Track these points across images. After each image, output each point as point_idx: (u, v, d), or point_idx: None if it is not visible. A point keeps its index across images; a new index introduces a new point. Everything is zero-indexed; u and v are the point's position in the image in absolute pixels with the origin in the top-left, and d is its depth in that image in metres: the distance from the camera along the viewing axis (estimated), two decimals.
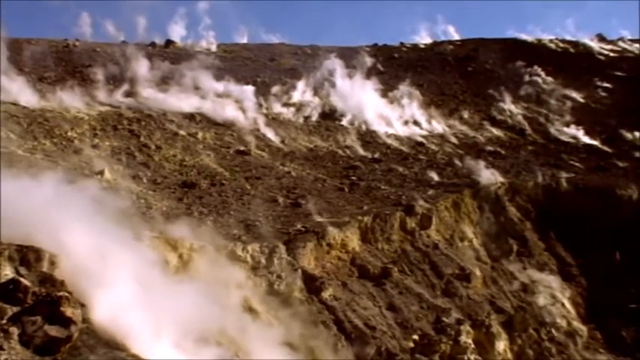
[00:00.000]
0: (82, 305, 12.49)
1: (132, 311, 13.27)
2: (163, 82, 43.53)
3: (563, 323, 28.61)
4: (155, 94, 41.40)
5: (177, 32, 62.25)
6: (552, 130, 49.05)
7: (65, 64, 45.78)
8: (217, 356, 15.17)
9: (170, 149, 34.35)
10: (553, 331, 27.75)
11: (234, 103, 42.70)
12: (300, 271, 23.18)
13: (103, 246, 14.13)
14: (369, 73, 52.35)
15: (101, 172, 27.64)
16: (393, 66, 58.17)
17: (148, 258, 16.07)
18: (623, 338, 28.80)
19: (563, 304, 29.78)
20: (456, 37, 75.33)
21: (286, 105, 46.30)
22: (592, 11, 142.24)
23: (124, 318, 12.97)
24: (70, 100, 36.58)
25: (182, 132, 36.98)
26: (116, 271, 13.75)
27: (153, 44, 59.10)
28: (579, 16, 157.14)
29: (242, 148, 37.03)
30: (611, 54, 70.74)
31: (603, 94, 58.59)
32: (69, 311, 11.65)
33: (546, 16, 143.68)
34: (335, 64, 50.83)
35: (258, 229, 25.10)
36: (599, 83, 60.33)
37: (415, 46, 71.71)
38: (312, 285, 23.14)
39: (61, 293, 11.95)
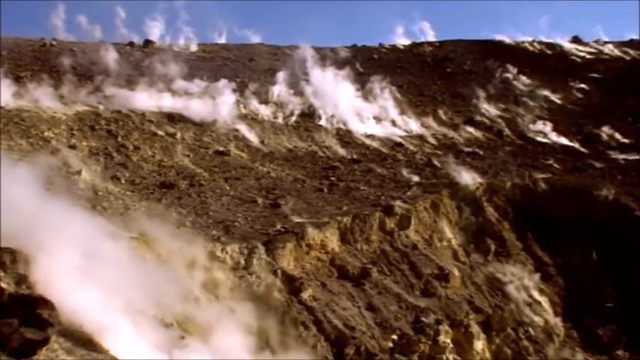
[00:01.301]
0: (59, 307, 12.37)
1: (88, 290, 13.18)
2: (141, 82, 43.22)
3: (540, 322, 28.84)
4: (133, 93, 41.12)
5: (155, 31, 61.90)
6: (530, 131, 49.44)
7: (42, 64, 45.36)
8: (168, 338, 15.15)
9: (148, 150, 34.17)
10: (530, 330, 27.97)
11: (213, 104, 42.52)
12: (279, 271, 23.14)
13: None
14: (348, 74, 52.41)
15: (78, 173, 27.44)
16: (372, 67, 58.30)
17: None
18: (599, 337, 29.09)
19: (540, 304, 30.03)
20: (432, 33, 75.81)
21: (265, 105, 46.21)
22: (563, 10, 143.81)
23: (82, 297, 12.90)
24: (47, 99, 36.25)
25: (160, 132, 36.80)
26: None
27: (131, 44, 58.72)
28: (551, 15, 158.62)
29: (221, 149, 36.91)
30: (587, 56, 71.56)
31: (580, 95, 59.26)
32: (45, 313, 11.57)
33: (519, 16, 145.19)
34: (314, 64, 50.83)
35: (237, 229, 25.05)
36: (575, 84, 60.99)
37: (394, 47, 72.02)
38: (292, 285, 23.12)
39: (37, 295, 11.85)
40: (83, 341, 12.44)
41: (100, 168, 30.00)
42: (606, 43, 76.20)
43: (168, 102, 41.56)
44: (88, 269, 13.59)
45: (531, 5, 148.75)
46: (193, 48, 60.85)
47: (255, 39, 68.57)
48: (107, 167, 30.55)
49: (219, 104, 42.62)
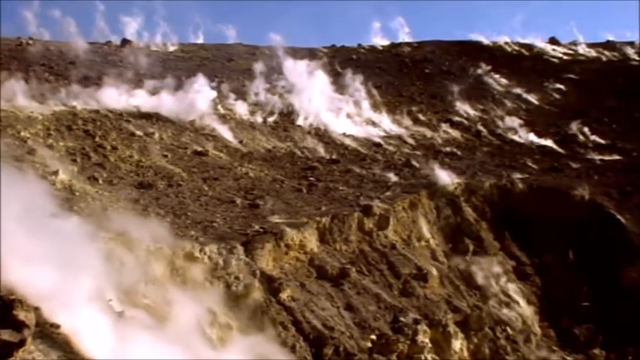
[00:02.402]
0: (36, 309, 12.27)
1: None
2: (119, 82, 42.94)
3: (518, 322, 29.00)
4: (111, 93, 40.85)
5: (133, 31, 61.63)
6: (507, 132, 49.78)
7: (18, 63, 44.93)
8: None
9: (126, 150, 33.93)
10: (508, 329, 28.11)
11: (192, 104, 42.34)
12: (258, 272, 23.07)
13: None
14: (327, 74, 52.46)
15: (55, 173, 27.19)
16: (351, 67, 58.35)
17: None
18: (575, 336, 29.35)
19: (518, 303, 30.20)
20: (407, 30, 76.21)
21: (244, 105, 46.12)
22: (536, 10, 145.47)
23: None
24: (23, 99, 35.90)
25: (138, 132, 36.56)
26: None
27: (109, 43, 58.38)
28: (524, 15, 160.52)
29: (199, 149, 36.76)
30: (564, 57, 72.25)
31: (557, 96, 59.79)
32: (22, 315, 11.43)
33: (493, 15, 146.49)
34: (293, 64, 50.80)
35: (215, 230, 24.95)
36: (552, 85, 61.56)
37: (373, 48, 72.33)
38: (271, 286, 23.06)
39: (13, 297, 11.73)
40: (60, 343, 12.32)
41: (77, 168, 29.72)
42: (582, 44, 77.02)
43: (146, 102, 41.35)
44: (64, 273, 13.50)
45: (505, 5, 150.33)
46: (171, 48, 60.65)
47: (231, 34, 68.56)
48: (84, 167, 30.29)
49: (197, 104, 42.46)
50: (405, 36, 76.27)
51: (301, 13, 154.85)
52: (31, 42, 52.41)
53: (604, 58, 72.51)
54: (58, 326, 12.65)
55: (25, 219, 13.56)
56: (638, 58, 72.47)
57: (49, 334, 12.36)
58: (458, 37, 74.93)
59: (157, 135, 36.97)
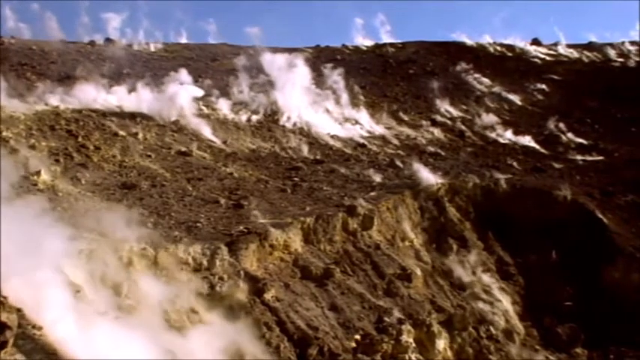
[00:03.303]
0: (18, 310, 12.19)
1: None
2: (102, 82, 42.73)
3: (501, 321, 29.15)
4: (93, 93, 40.63)
5: (116, 30, 61.32)
6: (491, 132, 50.04)
7: (0, 62, 44.55)
8: None
9: (109, 150, 33.75)
10: (492, 329, 28.25)
11: (176, 104, 42.20)
12: (242, 272, 23.02)
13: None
14: (312, 75, 52.46)
15: (38, 173, 27.00)
16: (336, 68, 58.37)
17: None
18: (558, 335, 29.54)
19: (501, 303, 30.36)
20: (388, 28, 76.62)
21: (228, 105, 46.05)
22: (517, 10, 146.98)
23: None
24: (5, 99, 35.61)
25: (122, 132, 36.39)
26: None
27: (92, 43, 58.06)
28: (505, 15, 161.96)
29: (183, 149, 36.63)
30: (547, 58, 72.80)
31: (539, 96, 60.21)
32: (4, 316, 11.37)
33: (474, 15, 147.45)
34: (277, 65, 50.75)
35: (199, 230, 24.86)
36: (535, 86, 62.00)
37: (357, 49, 72.52)
38: (255, 286, 23.01)
39: None
40: (42, 345, 12.25)
41: (59, 169, 29.52)
42: (564, 45, 77.73)
43: (129, 101, 41.15)
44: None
45: (487, 5, 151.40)
46: (155, 47, 60.41)
47: (213, 33, 68.58)
48: (67, 168, 30.09)
49: (180, 102, 42.33)
50: (386, 35, 76.61)
51: (284, 13, 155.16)
52: (13, 41, 51.99)
53: (586, 59, 73.16)
54: (40, 328, 12.58)
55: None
56: (619, 60, 73.22)
57: (31, 335, 12.29)
58: (440, 36, 75.73)
59: (140, 135, 36.81)
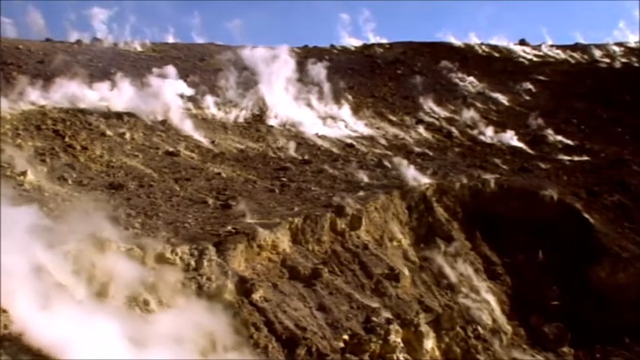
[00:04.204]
0: (4, 311, 12.12)
1: None
2: (89, 81, 42.53)
3: (488, 321, 29.24)
4: (80, 92, 40.44)
5: (103, 30, 61.06)
6: (478, 132, 50.21)
7: None
8: None
9: (96, 150, 33.61)
10: (479, 328, 28.34)
11: (163, 103, 42.07)
12: (230, 272, 22.98)
13: None
14: (300, 75, 52.45)
15: (24, 174, 26.85)
16: (324, 68, 58.39)
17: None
18: (545, 334, 29.68)
19: (488, 303, 30.47)
20: (372, 25, 77.05)
21: (216, 105, 45.98)
22: (499, 10, 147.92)
23: None
24: None
25: (109, 132, 36.25)
26: None
27: (79, 42, 57.79)
28: (488, 13, 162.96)
29: (171, 149, 36.53)
30: (534, 58, 73.23)
31: (527, 97, 60.52)
32: None
33: (460, 14, 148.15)
34: (266, 65, 50.71)
35: (187, 230, 24.81)
36: (522, 87, 62.32)
37: (345, 49, 72.66)
38: (243, 287, 22.99)
39: None
40: (28, 347, 12.19)
41: (46, 169, 29.39)
42: (551, 46, 78.26)
43: (116, 101, 40.98)
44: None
45: (471, 5, 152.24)
46: (143, 47, 60.19)
47: (196, 23, 68.55)
48: (54, 168, 29.95)
49: (168, 104, 42.21)
50: (370, 33, 76.94)
51: (269, 12, 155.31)
52: None
53: (572, 60, 73.64)
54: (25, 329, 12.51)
55: None
56: (605, 60, 73.76)
57: (17, 337, 12.22)
58: (424, 34, 76.32)
59: (127, 135, 36.68)
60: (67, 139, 33.59)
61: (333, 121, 48.61)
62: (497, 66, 69.89)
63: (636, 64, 72.54)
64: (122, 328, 14.88)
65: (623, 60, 73.94)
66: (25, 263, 13.79)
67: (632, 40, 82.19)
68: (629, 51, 77.83)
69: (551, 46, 78.51)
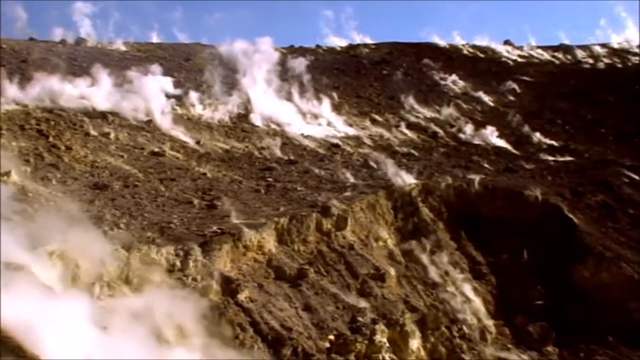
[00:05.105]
0: None
1: None
2: (73, 81, 42.25)
3: (473, 320, 29.33)
4: (64, 92, 40.17)
5: (88, 29, 60.72)
6: (463, 133, 50.40)
7: None
8: None
9: (81, 150, 33.42)
10: (464, 328, 28.39)
11: (148, 103, 41.89)
12: (215, 273, 22.92)
13: None
14: (286, 75, 52.43)
15: (7, 174, 26.63)
16: (310, 68, 58.45)
17: None
18: (529, 333, 29.79)
19: (474, 302, 30.57)
20: (355, 22, 77.37)
21: (202, 106, 45.85)
22: (483, 7, 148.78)
23: None
24: None
25: (94, 132, 36.06)
26: None
27: (63, 42, 57.43)
28: (471, 12, 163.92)
29: (156, 149, 36.39)
30: (519, 59, 73.65)
31: (511, 97, 60.82)
32: None
33: (443, 13, 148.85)
34: (251, 65, 50.63)
35: (172, 231, 24.73)
36: (507, 87, 62.64)
37: (331, 49, 72.74)
38: (228, 287, 22.95)
39: None
40: (12, 347, 12.09)
41: (30, 169, 29.17)
42: (536, 47, 78.81)
43: (101, 101, 40.77)
44: None
45: (452, 3, 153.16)
46: (128, 47, 59.92)
47: (177, 17, 68.48)
48: (38, 168, 29.74)
49: (154, 104, 42.04)
50: (353, 31, 77.28)
51: (256, 12, 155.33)
52: None
53: (556, 61, 74.13)
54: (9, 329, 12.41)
55: None
56: (589, 61, 74.35)
57: (0, 338, 12.12)
58: (408, 34, 76.96)
59: (112, 135, 36.50)
60: (51, 139, 33.37)
61: (318, 121, 48.62)
62: (482, 66, 70.23)
63: (619, 65, 73.18)
64: (87, 312, 14.79)
65: (607, 61, 74.58)
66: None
67: (614, 41, 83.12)
68: (613, 52, 78.53)
69: (536, 47, 79.05)
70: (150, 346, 16.31)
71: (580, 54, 76.41)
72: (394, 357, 24.19)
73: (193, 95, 46.57)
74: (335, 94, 55.20)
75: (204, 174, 34.21)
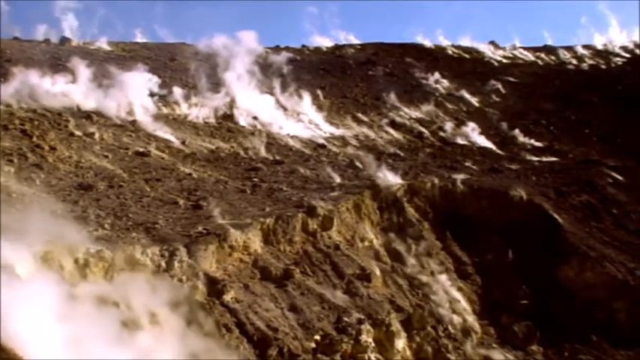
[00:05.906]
0: None
1: None
2: (58, 81, 41.96)
3: (459, 320, 29.43)
4: (48, 92, 39.91)
5: (72, 29, 60.36)
6: (449, 133, 50.58)
7: None
8: None
9: (65, 150, 33.18)
10: (450, 328, 28.47)
11: (133, 103, 41.69)
12: (201, 274, 22.85)
13: None
14: (271, 75, 52.37)
15: None
16: (295, 68, 58.43)
17: None
18: (514, 333, 29.94)
19: (459, 302, 30.67)
20: (337, 21, 77.71)
21: (187, 105, 45.69)
22: (467, 7, 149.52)
23: None
24: None
25: (78, 132, 35.82)
26: None
27: (47, 41, 57.07)
28: (455, 12, 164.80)
29: (141, 150, 36.20)
30: (504, 60, 74.06)
31: (496, 98, 61.13)
32: None
33: (426, 15, 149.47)
34: (237, 64, 50.51)
35: (158, 231, 24.58)
36: (492, 88, 62.96)
37: (317, 49, 72.78)
38: (214, 288, 22.88)
39: None
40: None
41: (13, 169, 28.91)
42: (520, 48, 79.38)
43: (85, 101, 40.53)
44: None
45: (435, 3, 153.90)
46: (112, 46, 59.62)
47: (158, 13, 68.37)
48: (21, 168, 29.48)
49: (139, 104, 41.85)
50: (336, 30, 77.51)
51: (241, 11, 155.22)
52: None
53: (541, 62, 74.63)
54: None
55: None
56: (573, 62, 74.91)
57: None
58: (391, 34, 77.38)
59: (97, 135, 36.27)
60: (34, 139, 33.10)
61: (304, 122, 48.60)
62: (467, 67, 70.57)
63: (603, 66, 73.80)
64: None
65: (591, 62, 75.21)
66: None
67: (597, 40, 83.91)
68: (596, 53, 79.18)
69: (521, 48, 79.57)
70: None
71: (564, 55, 76.97)
72: (380, 357, 24.21)
73: (178, 95, 46.38)
74: (321, 94, 55.20)
75: (190, 174, 34.08)
